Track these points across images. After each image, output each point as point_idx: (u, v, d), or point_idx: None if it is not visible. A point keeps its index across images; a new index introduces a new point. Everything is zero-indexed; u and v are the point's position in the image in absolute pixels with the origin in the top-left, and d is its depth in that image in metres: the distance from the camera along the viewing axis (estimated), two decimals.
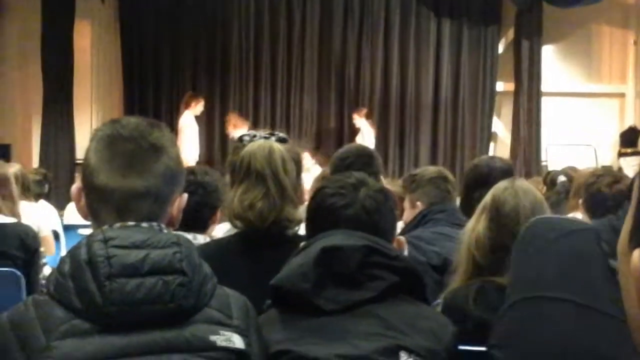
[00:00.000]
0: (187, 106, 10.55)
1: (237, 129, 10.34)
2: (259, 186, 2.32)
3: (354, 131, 11.19)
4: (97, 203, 1.57)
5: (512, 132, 11.66)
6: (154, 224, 1.55)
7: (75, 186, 1.63)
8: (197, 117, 11.18)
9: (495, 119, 12.06)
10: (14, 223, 4.21)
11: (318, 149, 11.48)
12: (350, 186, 1.99)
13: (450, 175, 3.75)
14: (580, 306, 1.51)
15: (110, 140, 1.57)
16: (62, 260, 1.48)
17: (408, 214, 3.69)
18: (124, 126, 1.59)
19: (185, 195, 1.69)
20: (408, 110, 12.03)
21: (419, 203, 3.63)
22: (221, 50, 12.04)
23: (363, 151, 3.49)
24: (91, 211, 1.60)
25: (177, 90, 11.95)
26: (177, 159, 1.62)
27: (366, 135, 10.92)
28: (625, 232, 0.80)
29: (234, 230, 2.46)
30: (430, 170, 3.78)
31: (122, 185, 1.54)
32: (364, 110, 11.23)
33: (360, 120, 11.06)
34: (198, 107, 10.65)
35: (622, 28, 12.02)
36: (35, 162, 10.95)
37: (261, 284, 1.82)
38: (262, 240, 2.32)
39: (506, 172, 3.38)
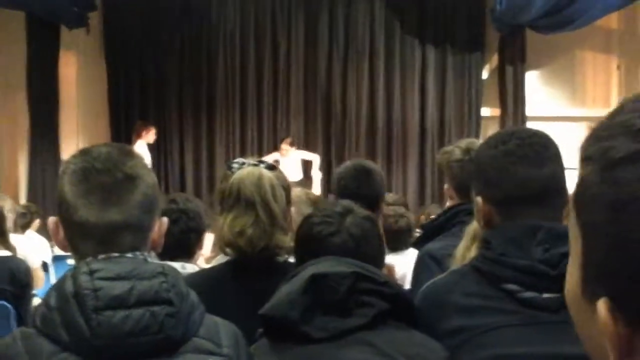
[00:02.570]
0: (139, 136, 10.68)
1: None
2: (249, 213, 2.31)
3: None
4: (78, 238, 1.56)
5: None
6: (138, 253, 1.54)
7: (52, 220, 1.61)
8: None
9: None
10: (4, 257, 4.19)
11: (305, 176, 11.50)
12: (336, 214, 2.01)
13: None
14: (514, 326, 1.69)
15: (84, 174, 1.54)
16: (49, 293, 1.47)
17: (445, 193, 3.33)
18: (96, 158, 1.56)
19: (165, 219, 1.69)
20: (395, 137, 12.06)
21: (446, 186, 3.25)
22: (207, 78, 12.06)
23: (358, 170, 3.37)
24: (72, 244, 1.58)
25: (163, 118, 11.95)
26: (153, 185, 1.61)
27: (293, 159, 11.15)
28: (573, 281, 0.79)
29: (226, 259, 2.46)
30: (460, 146, 3.22)
31: (102, 220, 1.52)
32: (290, 139, 11.30)
33: (286, 148, 11.14)
34: (150, 136, 10.79)
35: (605, 53, 12.10)
36: (22, 193, 10.91)
37: (253, 312, 1.81)
38: (253, 268, 2.31)
39: None
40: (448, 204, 3.34)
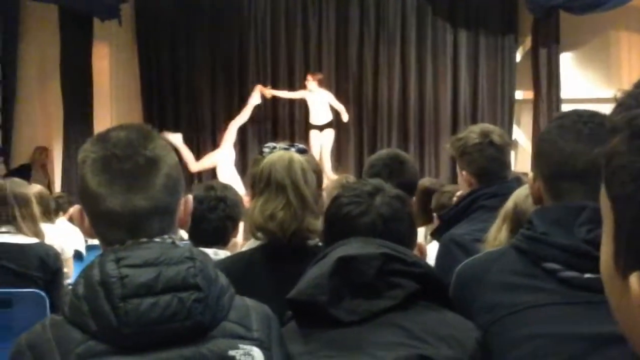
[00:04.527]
0: None
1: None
2: (280, 197, 2.30)
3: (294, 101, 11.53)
4: (105, 226, 1.54)
5: (532, 139, 11.60)
6: (166, 236, 1.53)
7: (76, 208, 1.61)
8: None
9: (515, 128, 11.99)
10: (34, 243, 4.23)
11: (338, 161, 11.49)
12: (365, 194, 1.97)
13: (499, 138, 3.15)
14: (555, 304, 1.64)
15: (105, 162, 1.52)
16: (77, 281, 1.47)
17: (460, 181, 3.30)
18: (116, 144, 1.53)
19: (190, 197, 1.67)
20: (427, 121, 11.99)
21: (464, 173, 3.20)
22: (238, 66, 12.09)
23: (392, 159, 3.38)
24: (98, 233, 1.57)
25: (195, 109, 11.99)
26: (175, 165, 1.59)
27: (322, 98, 11.12)
28: (607, 255, 0.77)
29: (256, 244, 2.46)
30: (475, 131, 3.18)
31: (129, 208, 1.50)
32: (319, 76, 11.28)
33: (312, 84, 11.11)
34: None
35: None
36: (57, 183, 11.04)
37: (284, 296, 1.80)
38: (284, 252, 2.30)
39: None
40: (460, 192, 3.31)
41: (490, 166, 3.13)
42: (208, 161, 10.93)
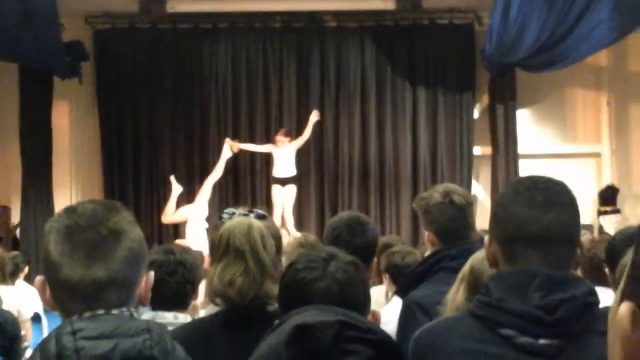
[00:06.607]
0: None
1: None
2: (238, 262, 2.31)
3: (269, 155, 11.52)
4: (64, 296, 1.55)
5: (491, 195, 11.72)
6: (124, 309, 1.53)
7: (38, 279, 1.61)
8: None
9: (474, 183, 12.11)
10: None
11: (299, 217, 11.50)
12: (320, 260, 2.00)
13: (460, 198, 3.15)
14: None
15: (69, 232, 1.54)
16: (33, 354, 1.46)
17: (425, 240, 3.34)
18: (80, 215, 1.56)
19: (152, 273, 1.67)
20: (387, 177, 12.06)
21: (427, 232, 3.23)
22: (200, 126, 12.07)
23: (354, 220, 3.38)
24: (58, 303, 1.57)
25: (156, 168, 11.92)
26: (139, 240, 1.60)
27: (288, 153, 11.26)
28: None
29: (216, 309, 2.45)
30: (438, 190, 3.20)
31: (87, 278, 1.51)
32: (284, 130, 11.50)
33: (283, 139, 11.26)
34: None
35: (595, 90, 12.18)
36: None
37: None
38: (243, 318, 2.30)
39: None
40: (428, 251, 3.34)
41: (450, 226, 3.15)
42: (180, 215, 10.89)
